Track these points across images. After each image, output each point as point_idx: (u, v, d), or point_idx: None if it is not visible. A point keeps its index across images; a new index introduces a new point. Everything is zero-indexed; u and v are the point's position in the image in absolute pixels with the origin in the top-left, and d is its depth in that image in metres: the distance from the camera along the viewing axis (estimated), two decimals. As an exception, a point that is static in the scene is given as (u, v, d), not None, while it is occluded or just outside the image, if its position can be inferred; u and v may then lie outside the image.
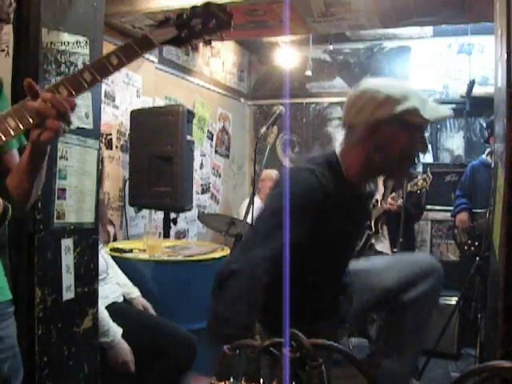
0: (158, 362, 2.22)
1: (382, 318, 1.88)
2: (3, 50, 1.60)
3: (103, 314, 2.10)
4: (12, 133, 0.98)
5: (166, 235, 3.49)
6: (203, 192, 4.76)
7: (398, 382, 1.61)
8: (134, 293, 2.51)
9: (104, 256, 2.39)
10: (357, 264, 1.69)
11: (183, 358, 2.29)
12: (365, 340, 4.00)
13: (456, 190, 3.60)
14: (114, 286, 2.42)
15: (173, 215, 3.54)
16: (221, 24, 1.14)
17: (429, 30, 4.50)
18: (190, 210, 3.45)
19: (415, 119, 1.32)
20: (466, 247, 3.39)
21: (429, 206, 3.93)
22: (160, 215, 3.70)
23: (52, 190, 1.67)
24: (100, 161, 1.97)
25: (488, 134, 3.34)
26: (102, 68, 1.03)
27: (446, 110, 1.40)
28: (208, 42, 1.18)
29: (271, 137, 2.11)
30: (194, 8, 1.09)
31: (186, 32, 1.12)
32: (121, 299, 2.44)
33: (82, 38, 1.74)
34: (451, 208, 3.60)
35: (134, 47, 1.08)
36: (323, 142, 5.39)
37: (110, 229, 3.21)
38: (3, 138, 0.98)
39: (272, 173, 4.59)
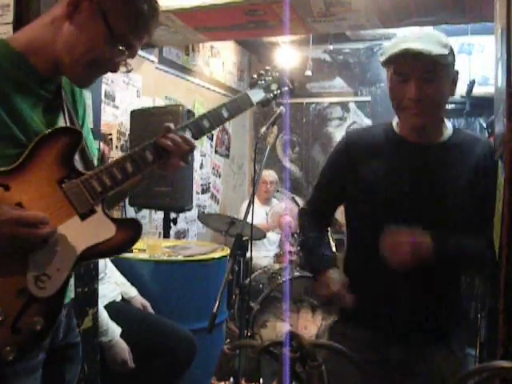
0: (157, 361, 2.22)
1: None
2: (3, 50, 1.60)
3: (102, 313, 2.11)
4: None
5: (166, 235, 3.49)
6: (203, 192, 4.76)
7: None
8: (132, 292, 2.52)
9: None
10: None
11: (182, 356, 2.30)
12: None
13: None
14: (111, 285, 2.42)
15: (173, 215, 3.54)
16: (290, 91, 1.57)
17: (429, 30, 4.50)
18: (189, 210, 3.45)
19: None
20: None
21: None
22: (160, 215, 3.70)
23: (52, 190, 1.66)
24: (101, 161, 1.97)
25: (488, 134, 3.34)
26: (216, 117, 1.30)
27: None
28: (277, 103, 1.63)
29: (271, 137, 2.11)
30: (269, 72, 1.55)
31: (269, 96, 1.51)
32: (119, 298, 2.44)
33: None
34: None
35: (238, 104, 1.37)
36: (323, 142, 5.40)
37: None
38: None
39: (268, 174, 4.59)
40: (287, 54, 5.00)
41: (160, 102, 4.01)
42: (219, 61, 4.99)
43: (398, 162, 1.40)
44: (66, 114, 1.19)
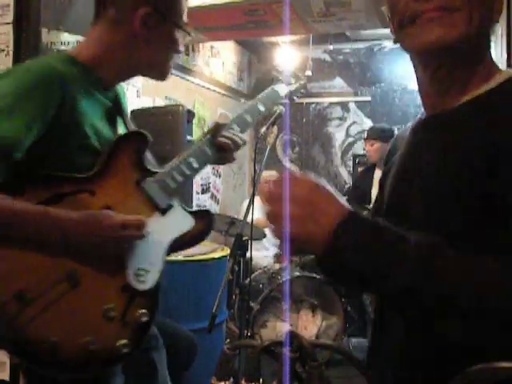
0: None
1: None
2: (3, 50, 1.60)
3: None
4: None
5: (166, 235, 3.48)
6: (203, 192, 4.76)
7: None
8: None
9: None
10: None
11: (183, 357, 2.29)
12: (365, 340, 4.00)
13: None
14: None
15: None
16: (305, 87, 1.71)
17: None
18: (189, 209, 3.44)
19: None
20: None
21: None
22: (160, 215, 3.70)
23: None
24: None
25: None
26: (255, 112, 1.40)
27: None
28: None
29: (271, 137, 2.11)
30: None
31: (292, 89, 1.61)
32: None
33: (81, 38, 1.75)
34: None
35: (269, 97, 1.46)
36: (323, 141, 5.40)
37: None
38: None
39: (269, 175, 4.58)
40: (287, 53, 5.00)
41: (160, 102, 4.01)
42: (219, 61, 4.99)
43: (406, 152, 0.88)
44: (123, 118, 1.30)
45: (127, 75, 1.25)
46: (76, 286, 1.09)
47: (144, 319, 1.14)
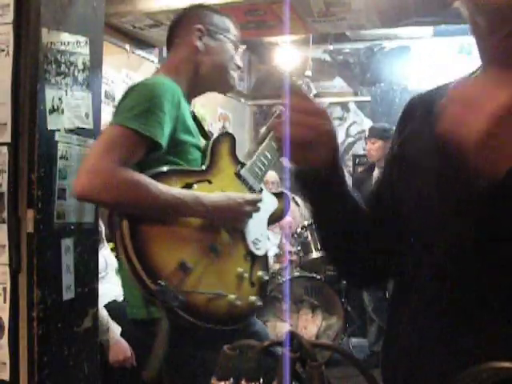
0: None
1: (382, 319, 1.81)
2: (3, 50, 1.60)
3: (102, 312, 2.11)
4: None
5: (166, 235, 3.49)
6: (203, 192, 4.76)
7: None
8: (134, 293, 2.52)
9: (104, 255, 2.39)
10: None
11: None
12: (365, 340, 4.00)
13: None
14: (113, 285, 2.42)
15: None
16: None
17: (429, 30, 4.50)
18: (189, 210, 3.44)
19: None
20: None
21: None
22: (160, 215, 3.70)
23: (52, 190, 1.66)
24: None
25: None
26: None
27: None
28: None
29: (271, 137, 2.10)
30: None
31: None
32: (121, 298, 2.44)
33: (82, 38, 1.74)
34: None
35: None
36: (323, 141, 5.39)
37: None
38: None
39: (269, 175, 4.58)
40: (287, 54, 5.00)
41: (160, 102, 4.01)
42: (219, 61, 4.98)
43: None
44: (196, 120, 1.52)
45: (198, 91, 1.52)
46: (217, 256, 1.33)
47: (265, 278, 1.45)
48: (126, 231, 1.22)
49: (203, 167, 1.40)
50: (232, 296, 1.31)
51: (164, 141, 1.27)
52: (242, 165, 1.50)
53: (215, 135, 1.50)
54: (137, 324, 1.39)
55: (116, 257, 1.47)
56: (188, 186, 1.33)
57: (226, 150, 1.48)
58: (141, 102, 1.27)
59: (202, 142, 1.49)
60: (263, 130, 1.93)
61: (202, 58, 1.47)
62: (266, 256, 1.48)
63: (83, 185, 1.19)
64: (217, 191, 1.36)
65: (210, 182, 1.39)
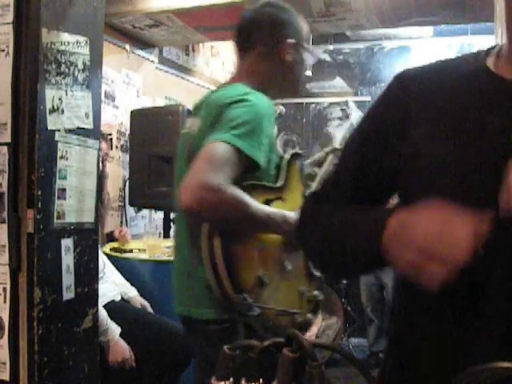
0: (156, 361, 2.23)
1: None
2: (3, 50, 1.60)
3: (101, 312, 2.11)
4: None
5: (166, 235, 3.49)
6: (203, 192, 4.76)
7: None
8: (132, 292, 2.52)
9: (100, 255, 2.40)
10: None
11: (181, 356, 2.30)
12: (365, 340, 4.00)
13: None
14: (111, 285, 2.42)
15: (173, 215, 3.54)
16: None
17: (429, 30, 4.50)
18: (189, 209, 3.45)
19: None
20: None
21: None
22: (160, 215, 3.70)
23: (52, 190, 1.67)
24: (100, 161, 1.97)
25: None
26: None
27: None
28: None
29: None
30: None
31: None
32: (118, 298, 2.44)
33: (82, 38, 1.74)
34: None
35: None
36: (323, 142, 5.39)
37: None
38: None
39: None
40: (287, 53, 5.00)
41: (160, 102, 4.01)
42: (219, 61, 4.98)
43: (499, 126, 0.71)
44: None
45: (272, 97, 1.49)
46: (287, 273, 1.37)
47: (320, 297, 1.47)
48: (217, 244, 1.26)
49: (278, 184, 1.43)
50: (297, 313, 1.38)
51: (262, 161, 1.31)
52: (307, 186, 1.54)
53: (288, 154, 1.52)
54: (203, 323, 1.43)
55: (175, 260, 1.54)
56: (268, 202, 1.37)
57: (297, 169, 1.51)
58: (247, 121, 1.29)
59: None
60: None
61: (287, 69, 1.51)
62: (320, 277, 1.51)
63: (194, 199, 1.21)
64: (289, 210, 1.38)
65: (283, 200, 1.42)
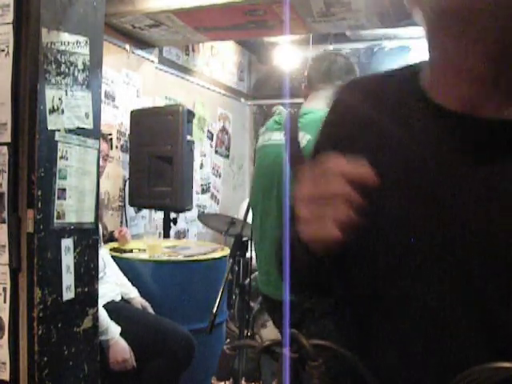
0: (156, 361, 2.22)
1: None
2: (3, 50, 1.60)
3: (101, 312, 2.11)
4: None
5: (166, 235, 3.49)
6: (203, 192, 4.76)
7: None
8: (133, 292, 2.51)
9: (102, 255, 2.39)
10: None
11: (181, 357, 2.29)
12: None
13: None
14: (111, 285, 2.42)
15: (173, 215, 3.54)
16: None
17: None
18: (190, 210, 3.45)
19: None
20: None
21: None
22: (160, 215, 3.70)
23: (52, 190, 1.66)
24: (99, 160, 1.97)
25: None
26: None
27: None
28: None
29: (271, 137, 2.10)
30: None
31: None
32: (118, 298, 2.44)
33: (82, 38, 1.74)
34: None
35: None
36: (323, 142, 5.39)
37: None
38: None
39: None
40: (287, 54, 5.00)
41: (160, 102, 4.01)
42: (219, 61, 4.98)
43: (437, 153, 0.68)
44: None
45: None
46: None
47: None
48: None
49: None
50: None
51: None
52: None
53: None
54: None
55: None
56: None
57: None
58: None
59: None
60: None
61: None
62: None
63: None
64: None
65: None
